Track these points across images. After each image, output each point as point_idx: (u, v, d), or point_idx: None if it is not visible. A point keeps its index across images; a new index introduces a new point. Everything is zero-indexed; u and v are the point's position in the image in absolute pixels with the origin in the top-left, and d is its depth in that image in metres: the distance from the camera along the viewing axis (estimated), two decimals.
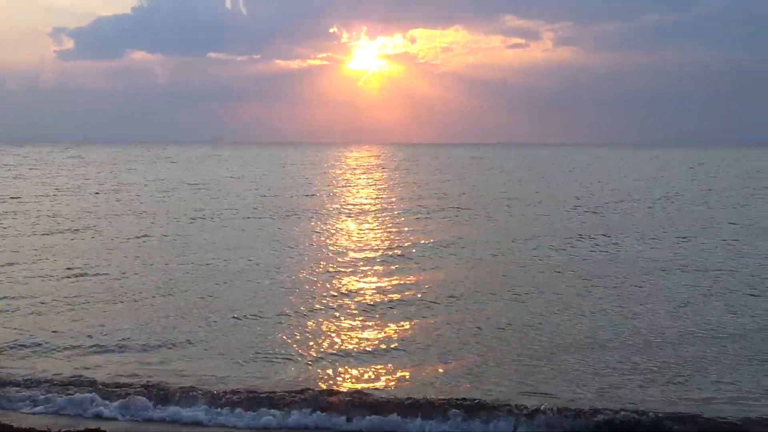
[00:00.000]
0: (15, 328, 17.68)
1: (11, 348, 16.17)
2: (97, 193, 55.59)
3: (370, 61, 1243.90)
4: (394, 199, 52.19)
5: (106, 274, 23.99)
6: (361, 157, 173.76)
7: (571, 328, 17.84)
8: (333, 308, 19.74)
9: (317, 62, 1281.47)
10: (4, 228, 34.46)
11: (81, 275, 23.69)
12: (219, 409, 12.80)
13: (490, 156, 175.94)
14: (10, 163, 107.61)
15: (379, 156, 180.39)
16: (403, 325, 18.03)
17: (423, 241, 30.96)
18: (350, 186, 69.10)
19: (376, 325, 18.20)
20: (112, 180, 72.76)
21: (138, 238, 31.91)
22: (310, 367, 14.99)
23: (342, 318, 18.75)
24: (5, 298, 20.64)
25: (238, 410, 12.73)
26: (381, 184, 71.71)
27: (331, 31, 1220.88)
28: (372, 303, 20.27)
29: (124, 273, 24.24)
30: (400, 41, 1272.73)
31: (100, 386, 13.71)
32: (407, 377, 14.44)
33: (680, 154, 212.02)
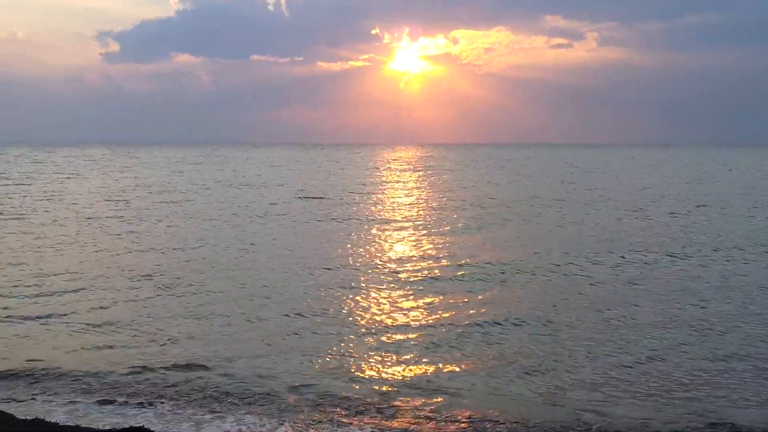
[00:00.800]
0: None
1: None
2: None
3: (411, 62, 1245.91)
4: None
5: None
6: (417, 157, 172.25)
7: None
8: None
9: (359, 63, 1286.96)
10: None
11: None
12: None
13: (561, 156, 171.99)
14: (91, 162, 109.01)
15: (431, 157, 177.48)
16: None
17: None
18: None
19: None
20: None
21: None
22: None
23: None
24: None
25: None
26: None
27: (372, 32, 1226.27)
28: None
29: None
30: (442, 42, 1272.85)
31: None
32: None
33: (735, 154, 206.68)
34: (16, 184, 64.63)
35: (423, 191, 62.79)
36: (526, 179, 79.80)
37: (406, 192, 61.57)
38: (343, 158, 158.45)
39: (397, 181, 77.24)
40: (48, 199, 49.84)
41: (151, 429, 11.17)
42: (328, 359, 15.06)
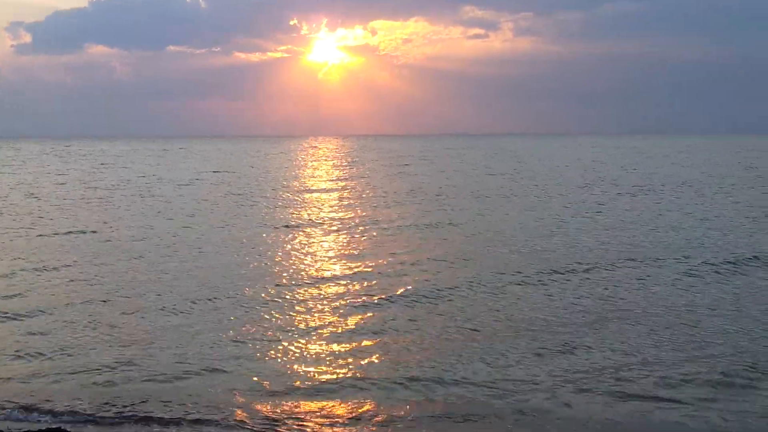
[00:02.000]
0: None
1: None
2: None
3: (330, 53, 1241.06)
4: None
5: None
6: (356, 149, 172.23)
7: None
8: None
9: (278, 55, 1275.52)
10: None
11: None
12: None
13: (477, 147, 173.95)
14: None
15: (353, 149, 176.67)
16: None
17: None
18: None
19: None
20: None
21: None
22: None
23: None
24: None
25: None
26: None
27: (291, 23, 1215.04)
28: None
29: None
30: (360, 33, 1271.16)
31: None
32: None
33: (641, 142, 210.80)
34: None
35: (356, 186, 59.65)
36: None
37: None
38: (270, 152, 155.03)
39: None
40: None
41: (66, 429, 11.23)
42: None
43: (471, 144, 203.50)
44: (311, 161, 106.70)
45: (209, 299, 19.18)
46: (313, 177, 71.03)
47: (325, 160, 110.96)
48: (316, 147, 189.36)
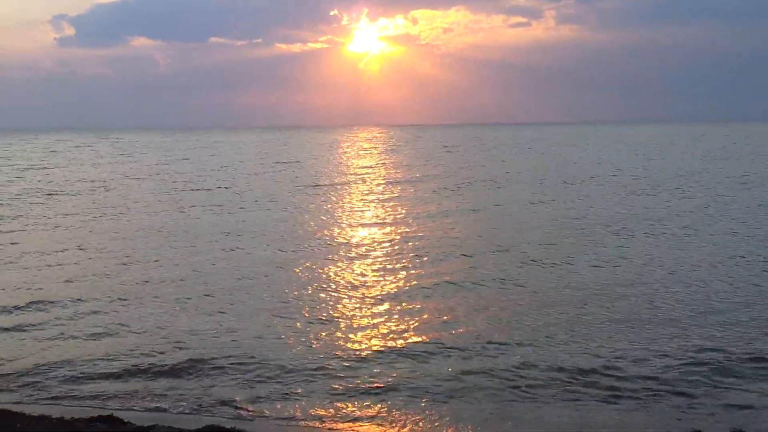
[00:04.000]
0: None
1: None
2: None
3: (370, 43, 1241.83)
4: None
5: None
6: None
7: None
8: None
9: (318, 45, 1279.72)
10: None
11: None
12: None
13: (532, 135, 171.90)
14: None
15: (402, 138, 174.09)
16: None
17: None
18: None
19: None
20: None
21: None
22: None
23: None
24: None
25: None
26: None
27: (331, 13, 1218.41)
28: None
29: None
30: (401, 22, 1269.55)
31: None
32: None
33: (699, 129, 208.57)
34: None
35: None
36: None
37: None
38: (321, 142, 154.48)
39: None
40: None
41: (121, 417, 11.37)
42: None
43: (527, 134, 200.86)
44: (372, 151, 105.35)
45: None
46: (387, 166, 70.05)
47: (385, 149, 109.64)
48: (365, 137, 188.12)
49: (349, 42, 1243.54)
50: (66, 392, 12.88)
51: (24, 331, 16.32)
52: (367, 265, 22.80)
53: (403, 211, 35.06)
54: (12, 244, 27.12)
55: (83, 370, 13.87)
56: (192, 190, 46.98)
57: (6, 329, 16.44)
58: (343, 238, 28.11)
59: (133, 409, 12.02)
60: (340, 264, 22.98)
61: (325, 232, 29.14)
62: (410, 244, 26.18)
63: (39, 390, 12.98)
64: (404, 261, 23.19)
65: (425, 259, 23.48)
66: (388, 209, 36.07)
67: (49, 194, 44.15)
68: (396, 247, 25.67)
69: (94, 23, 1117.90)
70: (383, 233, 28.92)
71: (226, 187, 48.02)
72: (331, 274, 21.65)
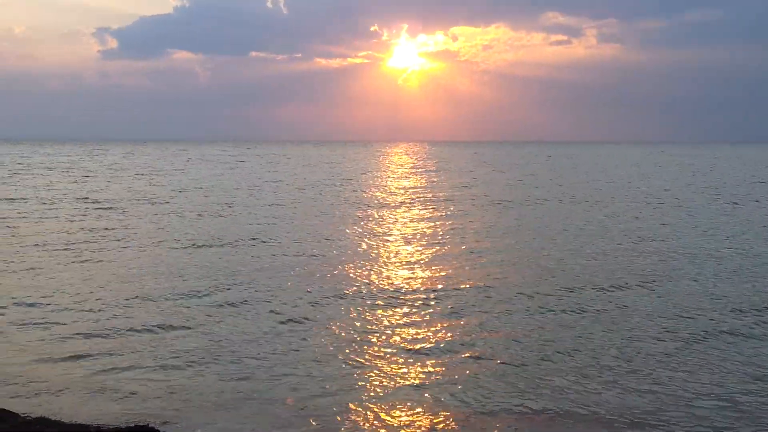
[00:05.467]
0: None
1: None
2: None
3: (410, 59, 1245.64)
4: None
5: None
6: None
7: None
8: None
9: (358, 60, 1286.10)
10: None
11: None
12: None
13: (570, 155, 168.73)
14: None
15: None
16: None
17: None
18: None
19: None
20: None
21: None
22: None
23: None
24: None
25: None
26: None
27: (371, 29, 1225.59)
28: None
29: None
30: (441, 39, 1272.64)
31: None
32: None
33: (737, 150, 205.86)
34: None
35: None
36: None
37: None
38: (364, 157, 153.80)
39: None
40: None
41: (156, 428, 10.85)
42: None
43: (569, 152, 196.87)
44: (420, 168, 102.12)
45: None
46: (438, 184, 66.60)
47: (432, 166, 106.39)
48: (407, 153, 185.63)
49: (388, 57, 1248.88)
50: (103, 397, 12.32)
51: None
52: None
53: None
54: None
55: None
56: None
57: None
58: None
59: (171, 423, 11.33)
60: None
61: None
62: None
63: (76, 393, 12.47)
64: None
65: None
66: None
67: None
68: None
69: (136, 36, 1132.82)
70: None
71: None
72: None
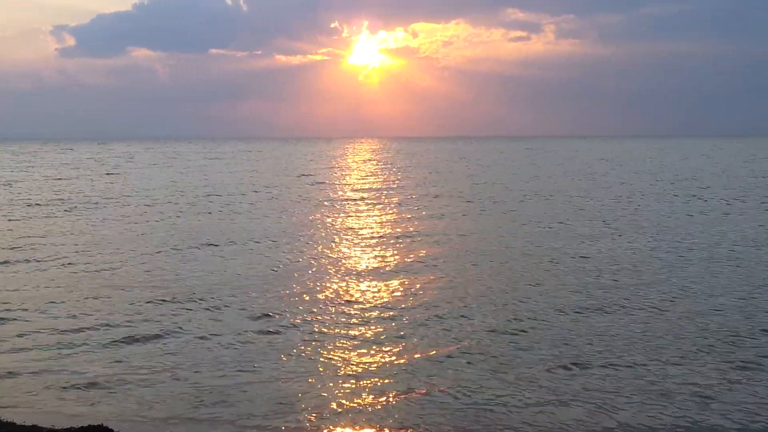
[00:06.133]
0: None
1: None
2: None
3: (371, 56, 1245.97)
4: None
5: None
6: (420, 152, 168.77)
7: None
8: None
9: (318, 57, 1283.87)
10: None
11: None
12: None
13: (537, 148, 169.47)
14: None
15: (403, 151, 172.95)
16: None
17: None
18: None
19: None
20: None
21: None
22: None
23: None
24: None
25: None
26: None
27: (332, 26, 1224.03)
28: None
29: None
30: (401, 35, 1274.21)
31: None
32: None
33: (692, 143, 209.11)
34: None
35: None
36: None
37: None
38: (328, 154, 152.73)
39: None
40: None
41: (111, 428, 10.67)
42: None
43: (535, 146, 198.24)
44: (383, 163, 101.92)
45: None
46: (406, 179, 66.45)
47: (394, 162, 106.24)
48: (368, 149, 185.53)
49: (349, 54, 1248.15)
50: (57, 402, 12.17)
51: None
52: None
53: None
54: None
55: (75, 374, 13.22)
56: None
57: None
58: None
59: (125, 419, 11.34)
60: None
61: None
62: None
63: (34, 396, 12.33)
64: None
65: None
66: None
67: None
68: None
69: (95, 34, 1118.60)
70: None
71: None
72: None
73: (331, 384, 12.63)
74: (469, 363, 13.50)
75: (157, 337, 15.49)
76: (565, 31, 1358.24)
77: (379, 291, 19.50)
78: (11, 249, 26.22)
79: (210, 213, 37.67)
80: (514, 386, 12.36)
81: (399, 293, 19.16)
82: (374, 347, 14.54)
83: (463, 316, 16.79)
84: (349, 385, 12.56)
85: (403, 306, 17.72)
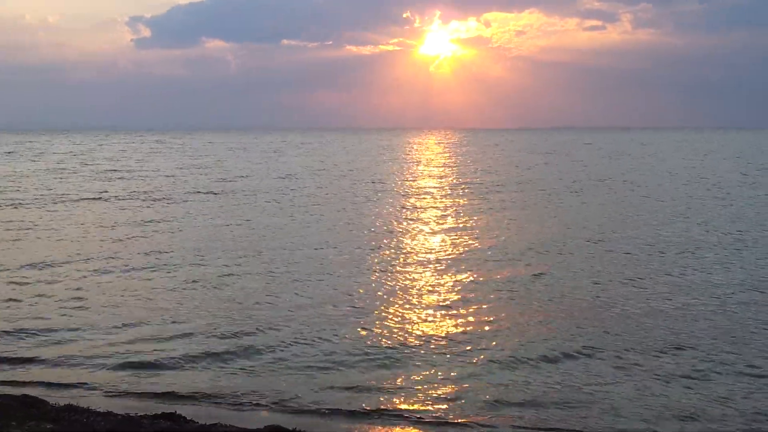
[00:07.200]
0: None
1: None
2: None
3: (442, 46, 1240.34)
4: None
5: None
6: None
7: None
8: None
9: (389, 48, 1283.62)
10: None
11: None
12: None
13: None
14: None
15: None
16: None
17: None
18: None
19: None
20: None
21: None
22: None
23: None
24: None
25: None
26: None
27: (404, 16, 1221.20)
28: None
29: None
30: (473, 25, 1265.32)
31: None
32: None
33: None
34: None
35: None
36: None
37: None
38: (403, 145, 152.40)
39: None
40: None
41: (183, 415, 11.12)
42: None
43: (611, 138, 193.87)
44: (473, 156, 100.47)
45: None
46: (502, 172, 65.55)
47: (482, 154, 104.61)
48: (446, 142, 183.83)
49: (420, 44, 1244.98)
50: (131, 387, 12.70)
51: None
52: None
53: None
54: None
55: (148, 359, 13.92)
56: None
57: None
58: None
59: (195, 405, 11.92)
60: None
61: None
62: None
63: (104, 384, 12.82)
64: None
65: None
66: None
67: None
68: None
69: (169, 25, 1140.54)
70: None
71: None
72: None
73: None
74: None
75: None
76: (643, 20, 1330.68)
77: None
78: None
79: None
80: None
81: None
82: None
83: None
84: None
85: None
